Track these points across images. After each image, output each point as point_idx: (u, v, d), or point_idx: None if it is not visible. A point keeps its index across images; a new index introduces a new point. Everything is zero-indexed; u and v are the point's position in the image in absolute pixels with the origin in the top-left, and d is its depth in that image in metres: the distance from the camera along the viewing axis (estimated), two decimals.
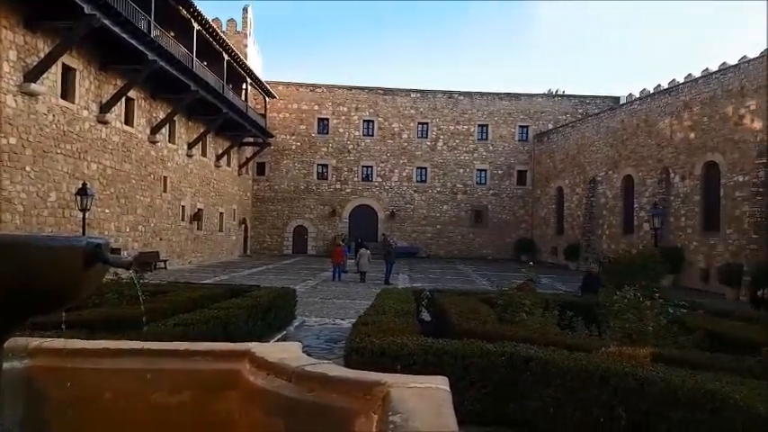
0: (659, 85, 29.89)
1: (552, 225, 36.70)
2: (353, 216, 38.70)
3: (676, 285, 23.85)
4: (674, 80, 28.44)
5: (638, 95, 31.88)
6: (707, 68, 25.80)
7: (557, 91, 42.76)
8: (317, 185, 38.74)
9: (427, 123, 39.32)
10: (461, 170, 39.35)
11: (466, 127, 39.43)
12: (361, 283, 22.10)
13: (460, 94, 39.81)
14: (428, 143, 39.26)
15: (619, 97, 38.03)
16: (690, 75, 26.86)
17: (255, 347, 2.50)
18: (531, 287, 10.89)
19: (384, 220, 38.73)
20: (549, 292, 15.59)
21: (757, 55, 22.30)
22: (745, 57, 23.17)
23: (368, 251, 23.91)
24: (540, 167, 38.69)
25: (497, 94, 39.94)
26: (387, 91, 39.41)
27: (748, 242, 20.87)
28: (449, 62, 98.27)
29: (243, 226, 36.40)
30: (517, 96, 39.94)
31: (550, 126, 38.88)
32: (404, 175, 39.10)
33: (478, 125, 39.55)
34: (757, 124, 21.18)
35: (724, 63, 24.68)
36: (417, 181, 39.32)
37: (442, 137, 39.37)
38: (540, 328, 7.92)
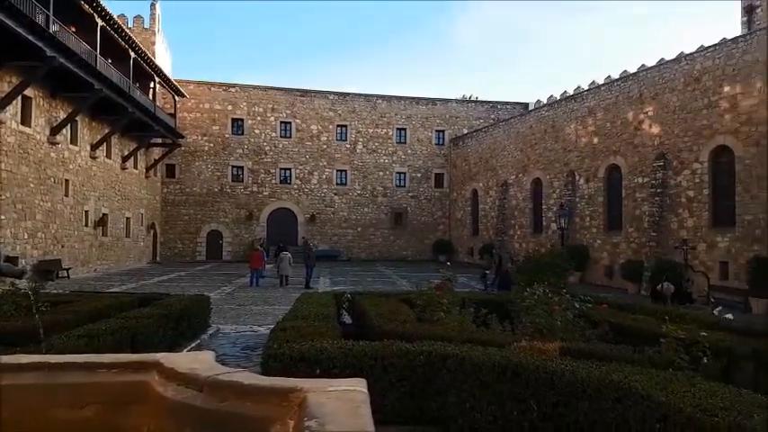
0: (565, 92, 31.64)
1: (468, 226, 37.88)
2: (272, 220, 37.95)
3: (583, 282, 25.34)
4: (579, 87, 30.16)
5: (545, 102, 33.59)
6: (609, 76, 27.55)
7: (470, 97, 44.23)
8: (233, 188, 37.64)
9: (346, 126, 39.36)
10: (381, 173, 39.71)
11: (385, 130, 39.85)
12: (282, 287, 21.78)
13: (379, 97, 40.18)
14: (347, 146, 39.29)
15: (528, 103, 39.85)
16: (593, 82, 28.58)
17: (165, 358, 2.40)
18: (448, 287, 11.15)
19: (304, 223, 38.32)
20: (465, 291, 16.06)
21: (654, 63, 24.09)
22: (643, 65, 24.91)
23: (289, 254, 23.63)
24: (456, 170, 39.82)
25: (415, 98, 40.68)
26: (304, 92, 39.05)
27: (648, 240, 22.51)
28: (373, 66, 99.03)
29: (152, 231, 34.69)
30: (433, 101, 40.89)
31: (465, 130, 40.14)
32: (324, 177, 38.89)
33: (397, 128, 40.10)
34: (655, 129, 22.91)
35: (625, 71, 26.42)
36: (337, 184, 39.24)
37: (361, 140, 39.54)
38: (458, 326, 8.13)
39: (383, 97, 40.25)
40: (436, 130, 40.64)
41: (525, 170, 31.56)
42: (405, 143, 40.11)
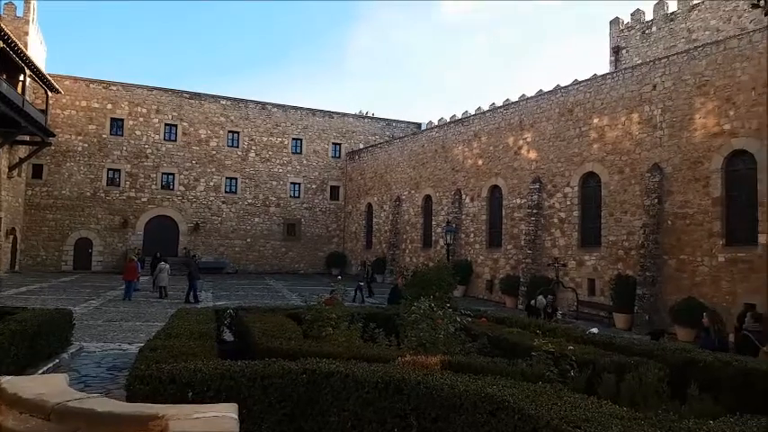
0: (454, 115, 33.21)
1: (362, 239, 38.19)
2: (150, 228, 35.52)
3: (466, 295, 26.45)
4: (466, 111, 31.83)
5: (436, 123, 34.98)
6: (494, 103, 29.46)
7: (367, 113, 44.86)
8: (107, 192, 34.86)
9: (238, 132, 38.16)
10: (275, 182, 38.90)
11: (280, 139, 39.16)
12: (159, 300, 20.52)
13: (274, 105, 39.46)
14: (239, 153, 38.08)
15: (421, 123, 41.28)
16: (479, 108, 30.37)
17: (8, 382, 2.09)
18: (338, 301, 11.06)
19: (186, 232, 36.38)
20: (356, 305, 16.08)
21: (533, 94, 25.99)
22: (523, 95, 26.86)
23: (167, 265, 22.45)
24: (351, 184, 40.06)
25: (311, 109, 40.45)
26: (193, 95, 37.37)
27: (524, 257, 23.97)
28: (271, 77, 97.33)
29: (11, 237, 31.19)
30: (330, 114, 40.93)
31: (361, 145, 40.58)
32: (211, 184, 37.27)
33: (293, 138, 39.57)
34: (532, 154, 24.56)
35: (507, 99, 28.36)
36: (227, 191, 37.79)
37: (254, 147, 38.52)
38: (345, 342, 8.05)
39: (279, 106, 39.59)
40: (333, 143, 40.65)
41: (417, 187, 32.47)
42: (300, 153, 39.67)
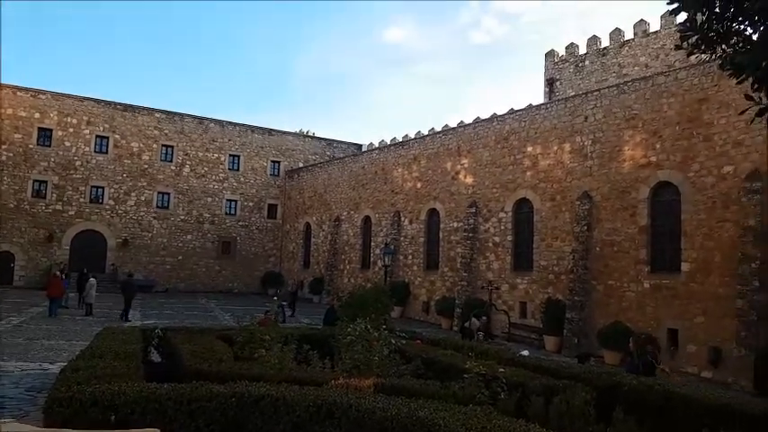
0: (395, 138, 33.68)
1: (300, 259, 37.68)
2: (77, 242, 33.68)
3: (403, 317, 26.51)
4: (407, 135, 32.36)
5: (377, 145, 35.30)
6: (433, 128, 30.12)
7: (307, 132, 44.73)
8: (33, 205, 32.90)
9: (173, 147, 37.00)
10: (210, 199, 37.88)
11: (216, 155, 38.27)
12: (85, 318, 19.51)
13: (211, 120, 38.61)
14: (173, 167, 36.88)
15: (361, 145, 41.50)
16: (419, 132, 30.94)
17: None
18: (272, 321, 10.82)
19: (115, 248, 34.73)
20: (291, 326, 15.76)
21: (471, 121, 26.72)
22: (462, 121, 27.61)
23: (95, 281, 21.57)
24: (290, 203, 39.59)
25: (250, 126, 39.84)
26: (127, 107, 36.04)
27: (460, 279, 24.34)
28: (209, 91, 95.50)
29: None
30: (270, 131, 40.45)
31: (301, 164, 40.27)
32: (142, 199, 35.84)
33: (230, 155, 38.75)
34: (469, 179, 25.14)
35: (446, 125, 29.07)
36: (158, 206, 36.43)
37: (189, 162, 37.44)
38: (278, 364, 7.86)
39: (216, 121, 38.77)
40: (272, 161, 40.10)
41: (357, 208, 32.48)
42: (238, 170, 38.89)
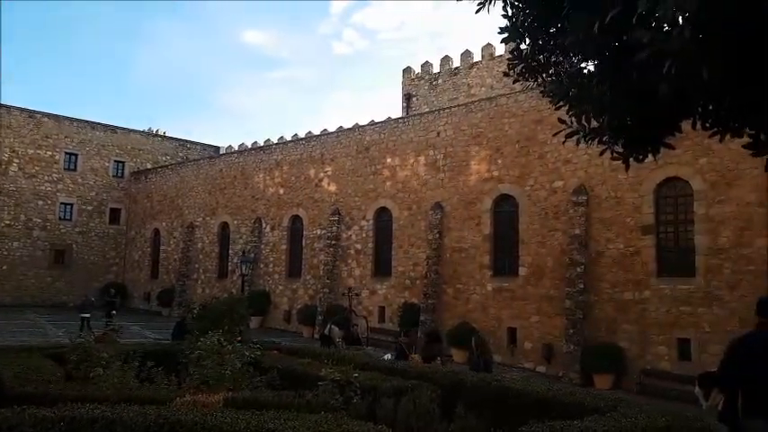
0: (256, 142, 32.93)
1: (147, 269, 35.10)
2: None
3: (263, 327, 25.89)
4: (269, 139, 31.85)
5: (237, 148, 34.22)
6: (296, 134, 29.98)
7: (157, 131, 41.98)
8: None
9: None
10: (41, 202, 33.94)
11: (50, 153, 34.39)
12: None
13: (45, 115, 34.66)
14: None
15: (219, 147, 39.83)
16: (282, 137, 30.60)
17: None
18: (111, 337, 9.98)
19: None
20: (134, 341, 14.67)
21: (334, 129, 27.04)
22: (325, 129, 27.83)
23: None
24: (136, 207, 36.76)
25: (90, 122, 36.37)
26: None
27: (322, 286, 24.40)
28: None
29: None
30: (113, 129, 37.20)
31: (149, 165, 37.61)
32: None
33: (66, 153, 35.02)
34: (332, 187, 25.36)
35: (310, 132, 29.12)
36: None
37: (17, 161, 33.24)
38: (117, 384, 7.25)
39: (51, 116, 34.88)
40: (115, 161, 36.89)
41: (214, 213, 31.14)
42: (75, 170, 35.25)
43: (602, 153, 3.55)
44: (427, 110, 28.21)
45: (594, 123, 3.13)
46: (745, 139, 2.99)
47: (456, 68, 33.63)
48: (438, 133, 21.75)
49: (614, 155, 3.42)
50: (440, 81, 34.21)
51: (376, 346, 20.58)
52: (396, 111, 36.05)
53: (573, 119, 3.17)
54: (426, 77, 34.98)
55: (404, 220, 22.41)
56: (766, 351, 4.40)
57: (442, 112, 22.49)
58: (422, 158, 22.12)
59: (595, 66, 2.82)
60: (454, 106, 22.99)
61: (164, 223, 34.45)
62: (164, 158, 38.20)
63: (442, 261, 20.79)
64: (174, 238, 33.47)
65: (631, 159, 3.52)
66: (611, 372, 16.04)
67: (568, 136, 3.26)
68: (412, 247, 21.98)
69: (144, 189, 36.41)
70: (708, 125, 2.97)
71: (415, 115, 24.33)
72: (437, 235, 20.91)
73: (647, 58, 2.06)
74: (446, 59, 34.23)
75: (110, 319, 22.06)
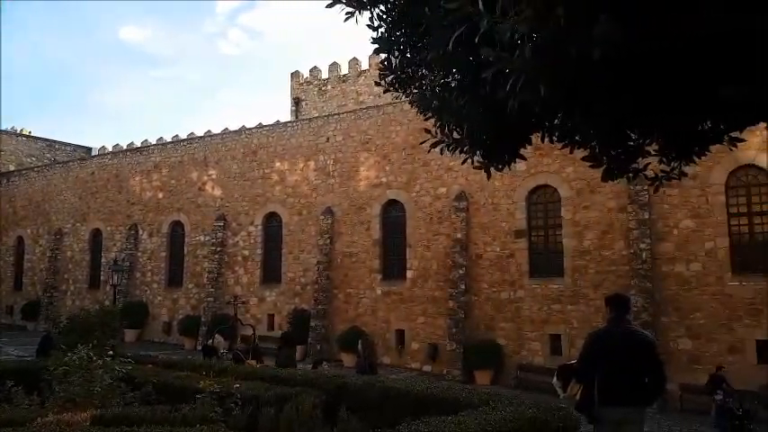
0: (132, 143, 30.96)
1: (9, 280, 31.65)
2: None
3: (141, 339, 24.35)
4: (146, 140, 30.05)
5: (110, 149, 31.97)
6: (177, 135, 28.49)
7: (21, 130, 38.12)
8: None
9: None
10: None
11: None
12: None
13: None
14: None
15: (91, 148, 36.98)
16: (162, 138, 28.99)
17: None
18: None
19: None
20: None
21: (219, 131, 26.11)
22: (209, 131, 26.75)
23: None
24: None
25: None
26: None
27: (206, 295, 23.40)
28: None
29: None
30: None
31: (12, 167, 34.09)
32: None
33: None
34: (217, 191, 24.45)
35: (192, 133, 27.81)
36: None
37: None
38: None
39: None
40: None
41: (85, 219, 28.82)
42: None
43: (463, 162, 3.78)
44: (317, 115, 28.19)
45: (456, 135, 3.33)
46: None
47: (345, 75, 33.88)
48: (328, 139, 21.80)
49: (474, 164, 3.66)
50: (329, 87, 34.28)
51: (262, 354, 20.14)
52: (284, 114, 35.63)
53: (438, 130, 3.36)
54: (315, 82, 34.89)
55: (294, 225, 22.18)
56: (620, 345, 4.87)
57: (331, 117, 22.59)
58: (312, 163, 22.04)
59: (456, 80, 3.01)
60: (344, 113, 23.19)
61: (29, 230, 31.31)
62: (29, 160, 34.81)
63: (333, 266, 20.83)
64: (41, 246, 30.52)
65: (507, 168, 3.76)
66: (490, 368, 16.98)
67: (433, 146, 3.44)
68: (302, 253, 21.80)
69: (6, 193, 32.82)
70: (554, 138, 3.27)
71: (304, 120, 24.20)
72: (328, 240, 20.92)
73: (494, 75, 2.24)
74: (335, 66, 34.39)
75: None
